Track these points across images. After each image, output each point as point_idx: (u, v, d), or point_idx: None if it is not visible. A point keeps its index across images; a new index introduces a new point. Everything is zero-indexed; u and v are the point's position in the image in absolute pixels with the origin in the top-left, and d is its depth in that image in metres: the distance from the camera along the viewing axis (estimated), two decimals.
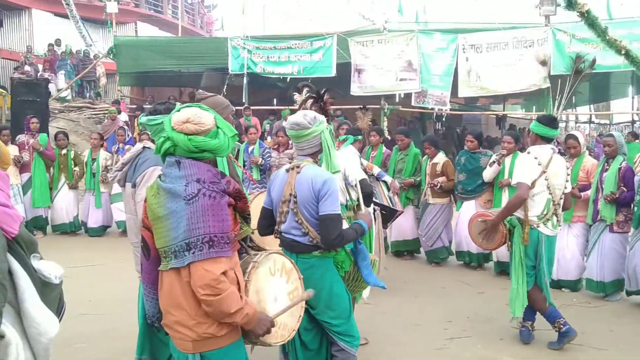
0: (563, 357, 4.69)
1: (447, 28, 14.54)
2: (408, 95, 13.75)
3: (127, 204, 3.60)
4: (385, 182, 6.53)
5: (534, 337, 5.00)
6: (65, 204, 9.87)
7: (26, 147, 9.57)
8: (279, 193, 3.37)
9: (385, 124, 13.54)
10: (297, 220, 3.28)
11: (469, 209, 7.46)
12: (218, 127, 2.48)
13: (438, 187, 7.59)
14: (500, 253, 7.00)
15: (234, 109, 3.66)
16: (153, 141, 3.52)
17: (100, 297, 6.17)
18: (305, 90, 4.24)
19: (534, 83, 13.15)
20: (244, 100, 14.97)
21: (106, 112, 15.98)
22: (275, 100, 17.90)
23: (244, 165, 9.06)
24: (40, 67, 19.12)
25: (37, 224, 9.65)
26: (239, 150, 9.24)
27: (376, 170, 6.82)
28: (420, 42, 13.56)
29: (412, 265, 7.97)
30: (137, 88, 19.56)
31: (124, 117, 15.01)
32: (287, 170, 3.39)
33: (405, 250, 8.26)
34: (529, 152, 4.85)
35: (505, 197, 7.11)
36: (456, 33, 13.75)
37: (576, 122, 24.84)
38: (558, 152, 5.08)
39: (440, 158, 7.82)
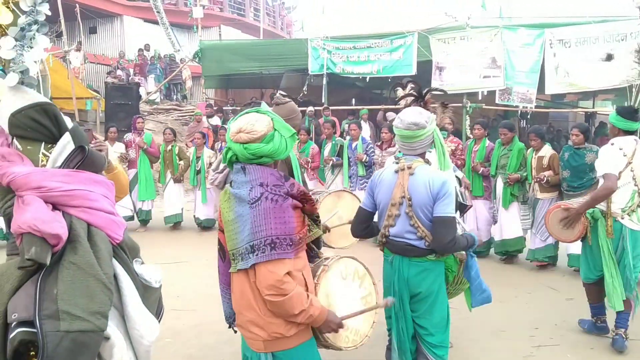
0: None
1: (533, 23, 14.00)
2: (491, 93, 13.36)
3: None
4: (457, 177, 6.42)
5: (627, 346, 4.75)
6: (175, 197, 10.41)
7: (132, 145, 10.27)
8: (386, 195, 3.26)
9: (467, 122, 13.22)
10: (412, 224, 3.17)
11: None
12: (275, 130, 2.52)
13: (545, 181, 7.23)
14: (573, 246, 6.71)
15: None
16: None
17: (189, 293, 6.38)
18: (409, 86, 4.21)
19: (626, 78, 12.43)
20: (323, 101, 15.07)
21: (192, 114, 16.55)
22: (354, 100, 17.91)
23: (349, 162, 9.26)
24: (131, 71, 20.10)
25: (139, 218, 10.27)
26: (342, 146, 9.41)
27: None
28: (505, 38, 13.14)
29: (493, 265, 7.72)
30: (221, 90, 20.12)
31: (216, 120, 15.42)
32: (396, 172, 3.27)
33: (512, 250, 7.86)
34: (612, 144, 4.78)
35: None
36: (543, 28, 13.21)
37: None
38: None
39: (547, 151, 7.46)
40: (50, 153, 1.67)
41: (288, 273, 2.38)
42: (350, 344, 2.76)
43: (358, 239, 3.80)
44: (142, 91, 17.70)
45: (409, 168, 3.22)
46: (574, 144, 7.13)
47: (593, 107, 20.27)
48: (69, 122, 1.81)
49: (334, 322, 2.55)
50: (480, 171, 7.89)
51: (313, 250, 2.77)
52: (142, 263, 1.68)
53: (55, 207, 1.50)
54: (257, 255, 2.37)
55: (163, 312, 1.87)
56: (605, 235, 4.68)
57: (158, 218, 10.55)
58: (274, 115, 2.60)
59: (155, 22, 19.80)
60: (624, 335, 4.75)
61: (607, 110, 22.68)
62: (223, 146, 10.44)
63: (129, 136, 10.48)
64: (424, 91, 4.01)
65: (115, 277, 1.56)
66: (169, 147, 10.36)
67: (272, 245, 2.36)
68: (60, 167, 1.59)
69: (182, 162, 10.28)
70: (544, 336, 5.15)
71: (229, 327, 2.97)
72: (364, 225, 3.43)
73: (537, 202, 7.50)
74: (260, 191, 2.43)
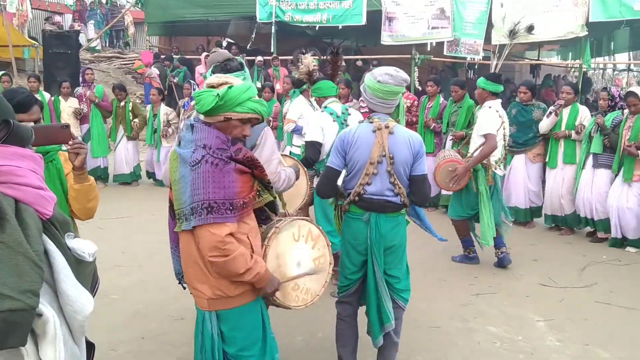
0: (589, 316, 4.70)
1: None
2: (439, 44, 13.38)
3: None
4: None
5: (511, 260, 5.81)
6: (125, 155, 10.06)
7: (84, 99, 9.84)
8: (364, 154, 3.25)
9: (416, 74, 13.25)
10: (392, 182, 3.25)
11: (519, 162, 7.42)
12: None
13: None
14: (554, 206, 7.18)
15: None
16: None
17: (134, 249, 6.34)
18: (311, 52, 4.31)
19: (571, 30, 12.66)
20: (272, 50, 14.79)
21: (135, 61, 15.89)
22: (304, 49, 17.63)
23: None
24: (70, 17, 19.17)
25: (95, 175, 9.77)
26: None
27: (291, 126, 7.03)
28: None
29: (438, 217, 7.94)
30: (165, 37, 19.44)
31: (154, 71, 14.85)
32: (373, 131, 3.26)
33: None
34: (490, 107, 5.55)
35: (561, 150, 7.05)
36: None
37: (614, 70, 24.00)
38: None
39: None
40: None
41: (232, 235, 2.39)
42: (300, 303, 2.80)
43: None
44: (82, 38, 16.92)
45: (387, 127, 3.26)
46: (521, 101, 7.33)
47: (538, 58, 20.66)
48: None
49: (276, 280, 2.59)
50: (432, 127, 8.00)
51: (265, 213, 2.76)
52: (75, 237, 1.65)
53: None
54: (195, 218, 2.38)
55: (99, 286, 1.85)
56: (486, 182, 5.50)
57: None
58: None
59: None
60: (506, 251, 5.77)
61: (551, 62, 23.20)
62: (186, 102, 9.98)
63: (79, 90, 10.02)
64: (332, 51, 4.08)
65: (46, 253, 1.52)
66: (122, 104, 9.97)
67: (210, 209, 2.36)
68: None
69: (136, 120, 9.90)
70: (483, 285, 5.39)
71: (179, 283, 2.99)
72: (334, 185, 3.42)
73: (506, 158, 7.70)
74: (202, 154, 2.40)
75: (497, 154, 5.58)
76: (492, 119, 5.49)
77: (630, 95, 6.41)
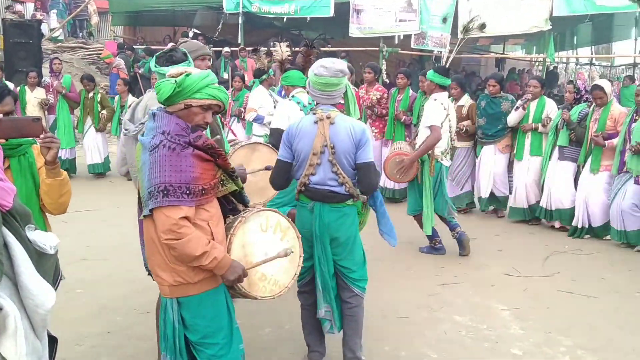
0: (552, 304, 4.81)
1: None
2: (407, 37, 13.47)
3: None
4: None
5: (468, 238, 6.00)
6: (95, 146, 9.91)
7: (51, 90, 9.69)
8: (307, 145, 3.31)
9: (384, 67, 13.31)
10: (334, 171, 3.28)
11: (488, 153, 7.54)
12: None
13: (464, 130, 7.48)
14: (520, 198, 7.30)
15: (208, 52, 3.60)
16: None
17: (100, 243, 6.23)
18: (287, 43, 4.39)
19: (535, 25, 12.88)
20: (239, 41, 14.66)
21: (100, 51, 15.58)
22: (272, 40, 17.51)
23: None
24: (31, 6, 18.64)
25: (61, 167, 9.62)
26: None
27: (252, 115, 7.11)
28: None
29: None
30: (130, 28, 19.10)
31: (119, 62, 14.57)
32: (315, 122, 3.31)
33: None
34: (435, 99, 5.67)
35: (528, 142, 7.18)
36: None
37: (577, 64, 24.50)
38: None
39: (466, 100, 7.70)
40: None
41: (187, 218, 2.40)
42: (267, 294, 2.78)
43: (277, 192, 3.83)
44: (44, 28, 16.46)
45: (329, 118, 3.30)
46: (490, 94, 7.48)
47: (503, 52, 20.96)
48: None
49: (239, 267, 2.56)
50: (402, 119, 8.05)
51: (232, 203, 2.75)
52: (36, 229, 1.61)
53: None
54: (152, 201, 2.39)
55: (61, 279, 1.81)
56: (429, 173, 5.67)
57: (81, 166, 10.18)
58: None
59: None
60: (460, 230, 5.94)
61: (516, 57, 23.57)
62: None
63: (46, 80, 9.91)
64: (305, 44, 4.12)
65: (6, 245, 1.49)
66: (90, 95, 9.83)
67: (165, 192, 2.37)
68: None
69: (104, 111, 9.75)
70: (449, 275, 5.46)
71: (148, 274, 2.93)
72: (286, 177, 3.47)
73: (453, 150, 7.78)
74: (160, 139, 2.42)
75: (443, 145, 5.72)
76: (437, 111, 5.61)
77: (596, 89, 6.54)
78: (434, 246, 6.08)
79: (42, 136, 2.41)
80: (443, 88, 5.78)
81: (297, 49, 5.70)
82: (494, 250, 6.27)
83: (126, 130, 3.36)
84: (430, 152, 5.62)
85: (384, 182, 7.86)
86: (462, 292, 5.04)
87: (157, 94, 2.48)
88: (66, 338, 3.97)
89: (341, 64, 3.36)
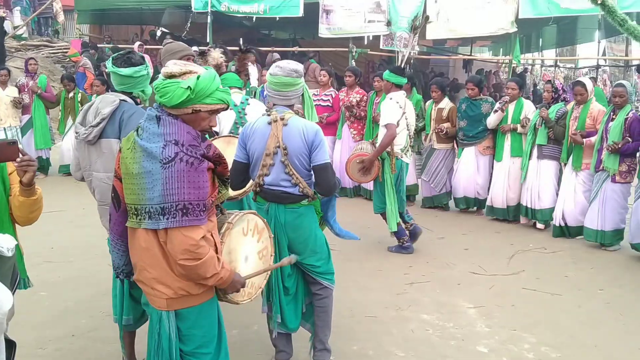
0: (517, 302, 4.89)
1: None
2: (376, 38, 13.54)
3: (105, 161, 3.26)
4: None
5: (421, 229, 6.21)
6: (72, 146, 9.72)
7: (26, 90, 9.59)
8: (260, 146, 3.32)
9: None
10: (287, 172, 3.29)
11: (469, 155, 7.68)
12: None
13: (444, 132, 7.65)
14: (495, 199, 7.41)
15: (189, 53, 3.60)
16: (125, 93, 3.35)
17: (65, 244, 6.12)
18: (219, 50, 4.48)
19: (502, 27, 13.08)
20: (208, 40, 14.53)
21: (65, 50, 15.25)
22: (241, 40, 17.40)
23: None
24: None
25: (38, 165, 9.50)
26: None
27: None
28: None
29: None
30: (96, 26, 18.78)
31: (86, 62, 14.30)
32: (269, 123, 3.32)
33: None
34: (391, 98, 5.80)
35: (507, 143, 7.28)
36: None
37: (542, 66, 24.96)
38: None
39: (446, 103, 7.86)
40: None
41: (203, 237, 2.32)
42: (246, 297, 2.76)
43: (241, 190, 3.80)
44: (7, 26, 16.06)
45: (282, 119, 3.31)
46: (470, 97, 7.60)
47: (471, 53, 21.23)
48: None
49: (239, 282, 2.54)
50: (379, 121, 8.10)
51: (218, 207, 2.71)
52: None
53: None
54: (167, 219, 2.27)
55: (18, 282, 1.77)
56: (390, 171, 5.77)
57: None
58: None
59: None
60: (414, 223, 6.14)
61: (483, 58, 23.91)
62: None
63: (22, 79, 9.77)
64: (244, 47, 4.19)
65: None
66: (71, 95, 9.78)
67: (185, 211, 2.26)
68: None
69: None
70: (417, 274, 5.51)
71: (117, 277, 2.83)
72: (242, 177, 3.47)
73: (432, 152, 7.98)
74: (175, 150, 2.27)
75: (402, 143, 5.84)
76: (392, 110, 5.72)
77: (577, 85, 6.64)
78: (402, 245, 6.14)
79: (18, 159, 2.34)
80: (399, 87, 5.89)
81: (267, 48, 5.80)
82: (460, 249, 6.35)
83: (77, 133, 3.30)
84: (390, 150, 5.72)
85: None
86: (429, 291, 5.09)
87: (162, 97, 2.33)
88: (30, 341, 3.91)
89: (296, 65, 3.38)
